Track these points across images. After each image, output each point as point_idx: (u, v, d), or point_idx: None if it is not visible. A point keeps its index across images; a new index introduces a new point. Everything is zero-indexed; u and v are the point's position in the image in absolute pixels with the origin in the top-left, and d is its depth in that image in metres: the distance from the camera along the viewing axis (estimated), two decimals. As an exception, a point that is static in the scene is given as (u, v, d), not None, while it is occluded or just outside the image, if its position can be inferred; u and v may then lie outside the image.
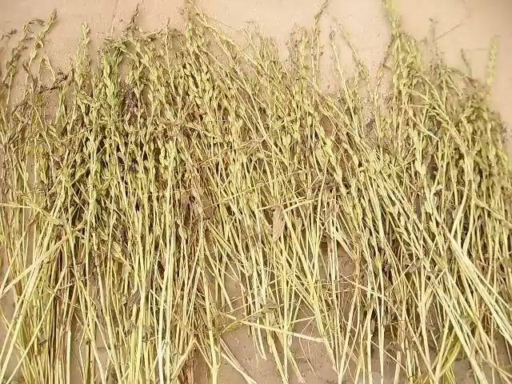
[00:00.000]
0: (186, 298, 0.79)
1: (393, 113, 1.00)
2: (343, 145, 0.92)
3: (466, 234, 0.86)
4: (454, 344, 0.78)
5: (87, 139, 0.89)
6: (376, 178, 0.87)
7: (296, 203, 0.86)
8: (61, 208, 0.83)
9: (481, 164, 0.93)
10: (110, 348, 0.78)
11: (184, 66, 1.00)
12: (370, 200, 0.86)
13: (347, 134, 0.93)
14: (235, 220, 0.87)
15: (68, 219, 0.82)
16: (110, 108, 0.92)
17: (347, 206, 0.86)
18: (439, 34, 1.11)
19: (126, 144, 0.89)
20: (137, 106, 0.94)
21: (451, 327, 0.78)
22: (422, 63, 1.06)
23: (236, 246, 0.86)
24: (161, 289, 0.78)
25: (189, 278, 0.81)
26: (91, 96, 0.95)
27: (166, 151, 0.89)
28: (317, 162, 0.90)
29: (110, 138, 0.89)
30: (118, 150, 0.88)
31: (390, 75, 1.06)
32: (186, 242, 0.84)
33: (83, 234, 0.82)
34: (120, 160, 0.88)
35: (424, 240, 0.83)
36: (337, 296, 0.81)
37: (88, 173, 0.87)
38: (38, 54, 1.07)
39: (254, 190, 0.88)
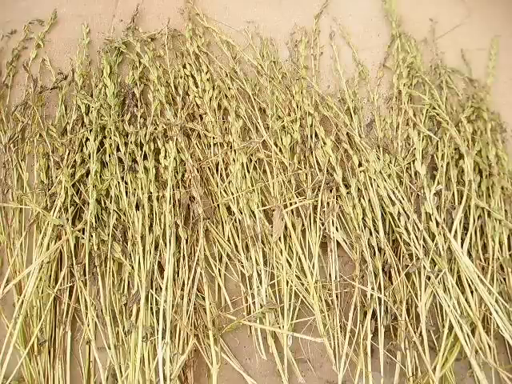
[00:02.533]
0: (186, 298, 0.79)
1: (393, 113, 1.00)
2: (343, 145, 0.92)
3: (466, 234, 0.86)
4: (454, 344, 0.78)
5: (87, 139, 0.89)
6: (376, 177, 0.87)
7: (296, 203, 0.86)
8: (61, 208, 0.83)
9: (481, 164, 0.93)
10: (110, 348, 0.78)
11: (184, 66, 1.00)
12: (370, 200, 0.86)
13: (347, 134, 0.93)
14: (235, 220, 0.87)
15: (68, 219, 0.82)
16: (110, 108, 0.92)
17: (347, 206, 0.86)
18: (439, 34, 1.12)
19: (125, 144, 0.89)
20: (137, 106, 0.94)
21: (451, 327, 0.78)
22: (422, 63, 1.06)
23: (236, 246, 0.86)
24: (161, 289, 0.78)
25: (189, 278, 0.81)
26: (91, 96, 0.95)
27: (166, 151, 0.89)
28: (317, 161, 0.90)
29: (110, 138, 0.89)
30: (118, 150, 0.88)
31: (390, 75, 1.06)
32: (186, 242, 0.84)
33: (83, 234, 0.82)
34: (120, 160, 0.88)
35: (424, 240, 0.83)
36: (337, 296, 0.81)
37: (88, 173, 0.87)
38: (37, 54, 1.07)
39: (254, 189, 0.88)
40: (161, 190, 0.86)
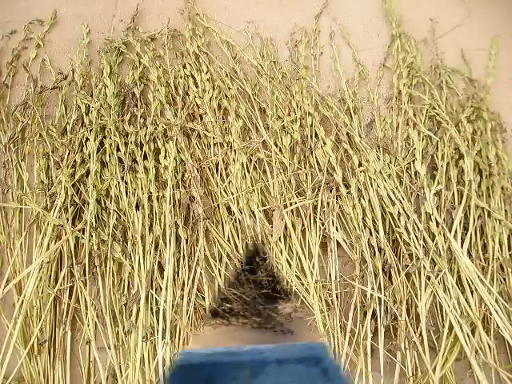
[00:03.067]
0: (186, 298, 0.79)
1: (393, 113, 1.00)
2: (343, 145, 0.92)
3: (466, 234, 0.86)
4: (454, 344, 0.78)
5: (87, 139, 0.89)
6: (376, 178, 0.87)
7: (296, 203, 0.86)
8: (61, 208, 0.83)
9: (481, 164, 0.93)
10: (110, 348, 0.78)
11: (184, 66, 1.00)
12: (370, 200, 0.86)
13: (347, 134, 0.93)
14: (235, 220, 0.86)
15: (68, 219, 0.82)
16: (110, 108, 0.92)
17: (347, 206, 0.86)
18: (439, 34, 1.11)
19: (125, 144, 0.89)
20: (137, 106, 0.94)
21: (451, 327, 0.78)
22: (422, 63, 1.05)
23: (236, 246, 0.86)
24: (161, 289, 0.78)
25: (189, 277, 0.81)
26: (91, 96, 0.95)
27: (166, 151, 0.89)
28: (317, 161, 0.90)
29: (110, 138, 0.89)
30: (118, 150, 0.88)
31: (390, 75, 1.06)
32: (186, 242, 0.84)
33: (83, 234, 0.82)
34: (120, 160, 0.88)
35: (424, 240, 0.83)
36: (337, 296, 0.80)
37: (88, 173, 0.87)
38: (37, 54, 1.06)
39: (254, 189, 0.88)
40: (161, 190, 0.86)
